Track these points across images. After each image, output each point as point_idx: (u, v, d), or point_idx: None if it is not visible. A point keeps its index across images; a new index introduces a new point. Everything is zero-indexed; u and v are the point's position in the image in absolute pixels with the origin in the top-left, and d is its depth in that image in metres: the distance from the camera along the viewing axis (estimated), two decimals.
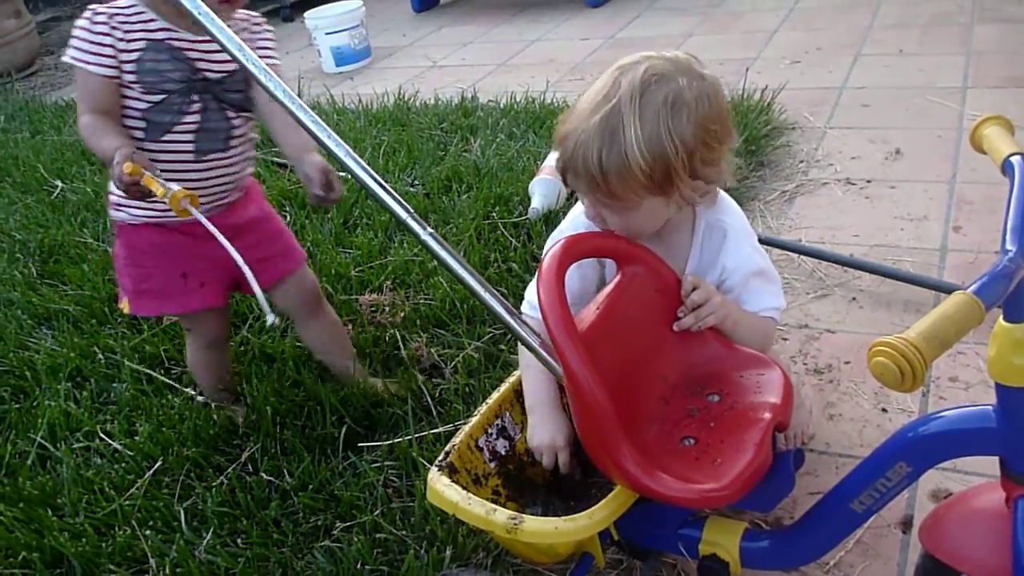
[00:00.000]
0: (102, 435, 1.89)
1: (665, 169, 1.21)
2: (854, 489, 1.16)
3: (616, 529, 1.35)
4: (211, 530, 1.60)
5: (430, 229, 1.36)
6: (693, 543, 1.31)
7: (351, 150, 1.41)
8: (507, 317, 1.34)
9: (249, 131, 1.73)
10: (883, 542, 1.47)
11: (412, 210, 1.37)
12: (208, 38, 1.46)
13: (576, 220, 1.45)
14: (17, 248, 2.82)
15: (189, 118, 1.60)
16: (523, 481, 1.45)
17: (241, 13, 1.65)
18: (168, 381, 2.04)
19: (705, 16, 4.61)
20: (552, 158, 2.71)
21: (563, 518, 1.22)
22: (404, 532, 1.55)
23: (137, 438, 1.86)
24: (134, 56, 1.54)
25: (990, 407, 1.03)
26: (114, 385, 2.06)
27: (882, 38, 3.82)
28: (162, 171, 1.54)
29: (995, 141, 1.11)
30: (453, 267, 1.34)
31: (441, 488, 1.30)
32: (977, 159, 2.55)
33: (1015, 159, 1.06)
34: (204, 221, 1.47)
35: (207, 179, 1.66)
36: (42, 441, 1.89)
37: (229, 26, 1.45)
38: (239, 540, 1.58)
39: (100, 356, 2.16)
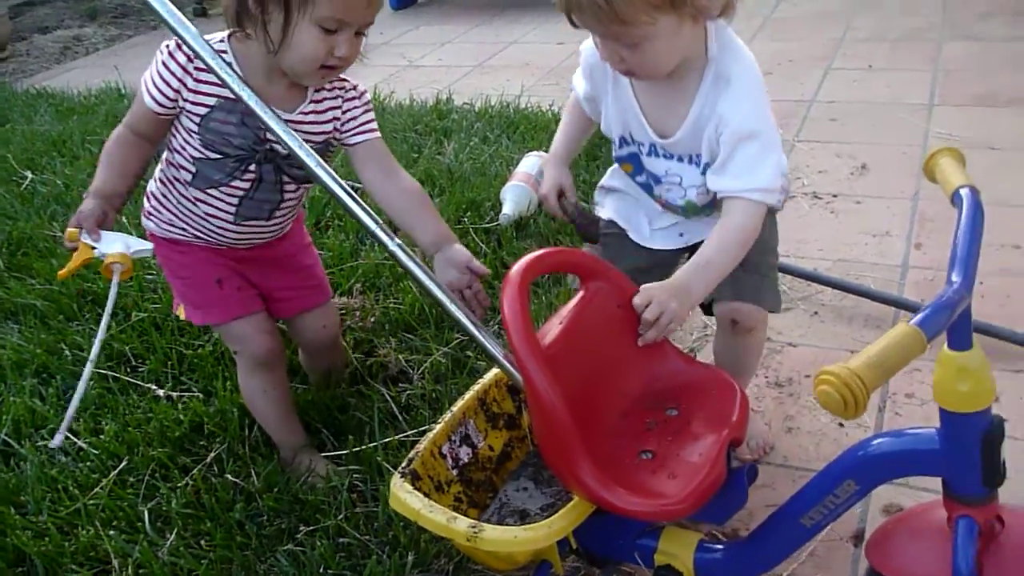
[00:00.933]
0: (67, 433, 1.89)
1: None
2: (804, 505, 1.20)
3: (574, 538, 1.38)
4: (175, 531, 1.61)
5: (397, 240, 1.39)
6: (649, 553, 1.34)
7: (320, 158, 1.44)
8: (472, 329, 1.37)
9: (301, 199, 1.70)
10: (835, 555, 1.51)
11: (380, 219, 1.40)
12: (288, 117, 1.50)
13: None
14: None
15: (239, 184, 1.56)
16: (487, 488, 1.48)
17: (338, 80, 1.57)
18: (134, 381, 2.04)
19: None
20: (524, 164, 2.74)
21: (522, 527, 1.25)
22: (367, 537, 1.57)
23: (102, 437, 1.86)
24: (201, 111, 1.49)
25: (934, 430, 1.07)
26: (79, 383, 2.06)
27: (854, 52, 3.89)
28: (196, 215, 1.59)
29: (946, 172, 1.15)
30: (420, 278, 1.38)
31: (403, 495, 1.32)
32: None
33: (964, 191, 1.10)
34: (113, 291, 1.49)
35: (241, 236, 1.65)
36: (6, 438, 1.89)
37: (325, 91, 1.52)
38: (203, 542, 1.59)
39: (67, 353, 2.15)
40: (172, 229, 1.65)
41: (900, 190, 2.66)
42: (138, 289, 2.38)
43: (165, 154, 1.60)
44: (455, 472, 1.46)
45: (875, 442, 1.13)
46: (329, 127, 1.57)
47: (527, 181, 2.63)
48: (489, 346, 1.37)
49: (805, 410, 1.85)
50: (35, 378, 2.09)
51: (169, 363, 2.08)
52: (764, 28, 4.37)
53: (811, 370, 1.97)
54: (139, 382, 2.04)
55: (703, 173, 1.43)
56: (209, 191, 1.56)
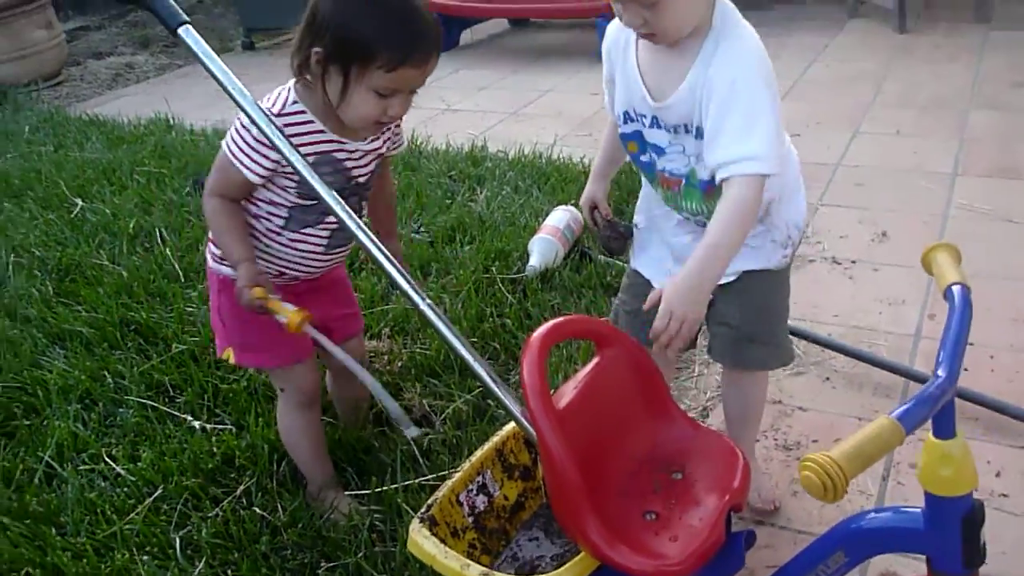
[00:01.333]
0: (107, 459, 2.00)
1: None
2: (797, 572, 1.27)
3: None
4: (204, 560, 1.71)
5: (428, 300, 1.49)
6: None
7: (360, 221, 1.54)
8: (492, 385, 1.46)
9: None
10: None
11: (412, 280, 1.50)
12: (358, 145, 1.62)
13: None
14: (36, 265, 2.95)
15: (332, 219, 1.63)
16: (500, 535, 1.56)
17: None
18: (170, 411, 2.15)
19: None
20: (552, 218, 2.85)
21: None
22: None
23: (140, 464, 1.96)
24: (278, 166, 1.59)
25: (919, 510, 1.14)
26: (120, 410, 2.18)
27: (882, 116, 3.96)
28: (290, 252, 1.68)
29: (942, 267, 1.23)
30: (447, 336, 1.47)
31: (421, 540, 1.41)
32: (959, 248, 2.69)
33: (956, 288, 1.18)
34: (320, 339, 1.57)
35: (324, 265, 1.75)
36: (49, 460, 2.01)
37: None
38: (230, 571, 1.68)
39: (109, 380, 2.27)
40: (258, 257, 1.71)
41: (918, 259, 2.71)
42: (178, 322, 2.49)
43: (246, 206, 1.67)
44: (471, 519, 1.55)
45: (866, 518, 1.20)
46: (383, 146, 1.69)
47: (554, 235, 2.74)
48: (507, 402, 1.46)
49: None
50: (78, 403, 2.21)
51: (205, 395, 2.19)
52: (795, 88, 4.46)
53: (819, 435, 2.04)
54: (176, 412, 2.15)
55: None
56: (304, 231, 1.65)
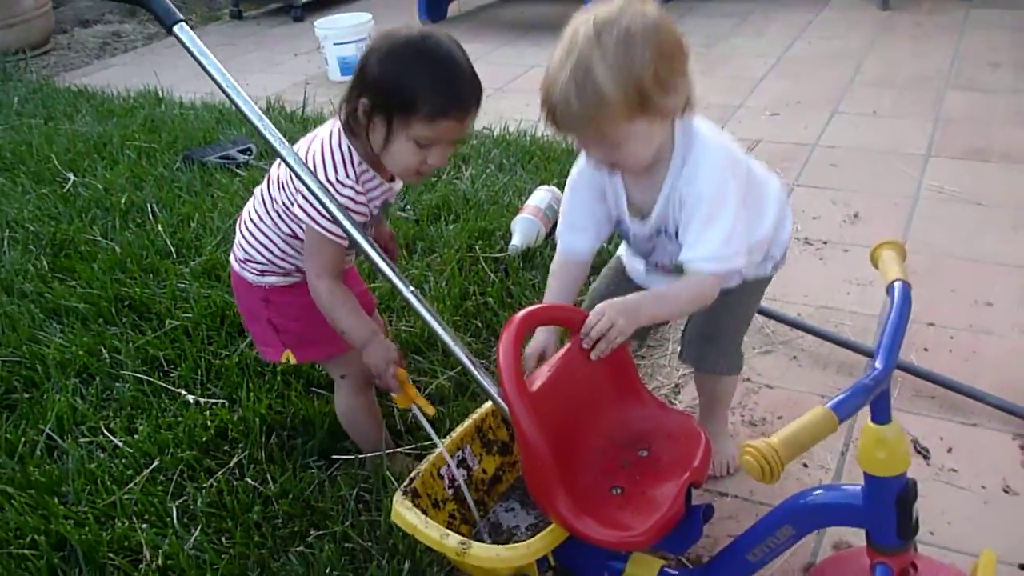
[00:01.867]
0: (105, 431, 2.10)
1: (638, 87, 1.36)
2: (750, 543, 1.38)
3: (553, 556, 1.56)
4: (199, 527, 1.80)
5: (411, 288, 1.58)
6: (617, 574, 1.53)
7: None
8: (472, 368, 1.57)
9: None
10: None
11: (396, 269, 1.59)
12: (394, 184, 1.72)
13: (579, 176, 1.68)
14: (30, 239, 3.02)
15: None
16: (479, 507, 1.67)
17: None
18: (165, 385, 2.24)
19: (696, 56, 4.69)
20: (535, 198, 2.93)
21: (504, 546, 1.44)
22: (370, 544, 1.76)
23: (137, 436, 2.06)
24: (375, 211, 1.72)
25: (859, 487, 1.25)
26: (117, 384, 2.27)
27: (860, 96, 4.04)
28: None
29: (887, 264, 1.33)
30: (430, 322, 1.57)
31: (404, 511, 1.51)
32: (925, 228, 2.81)
33: (897, 284, 1.28)
34: (427, 427, 1.66)
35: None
36: (50, 432, 2.10)
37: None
38: (224, 539, 1.79)
39: (106, 355, 2.36)
40: (293, 276, 1.79)
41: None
42: (171, 298, 2.58)
43: (288, 228, 1.72)
44: (451, 492, 1.65)
45: (811, 494, 1.31)
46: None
47: (536, 215, 2.82)
48: (485, 383, 1.56)
49: None
50: (77, 377, 2.29)
51: (198, 370, 2.28)
52: (776, 67, 4.53)
53: (784, 411, 2.14)
54: (170, 387, 2.24)
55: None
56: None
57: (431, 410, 1.63)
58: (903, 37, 4.79)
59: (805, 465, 1.97)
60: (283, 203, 1.70)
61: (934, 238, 2.82)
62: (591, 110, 1.38)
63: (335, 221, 1.58)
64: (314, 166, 1.61)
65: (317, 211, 1.60)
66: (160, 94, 4.63)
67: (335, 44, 4.80)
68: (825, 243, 2.85)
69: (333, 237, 1.62)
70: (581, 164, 1.66)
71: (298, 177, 1.59)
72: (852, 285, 2.62)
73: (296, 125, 4.00)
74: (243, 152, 3.67)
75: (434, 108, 1.51)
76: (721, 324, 1.74)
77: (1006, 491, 1.86)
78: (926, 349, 2.30)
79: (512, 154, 3.47)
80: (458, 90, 1.55)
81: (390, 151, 1.58)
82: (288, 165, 1.59)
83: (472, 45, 5.43)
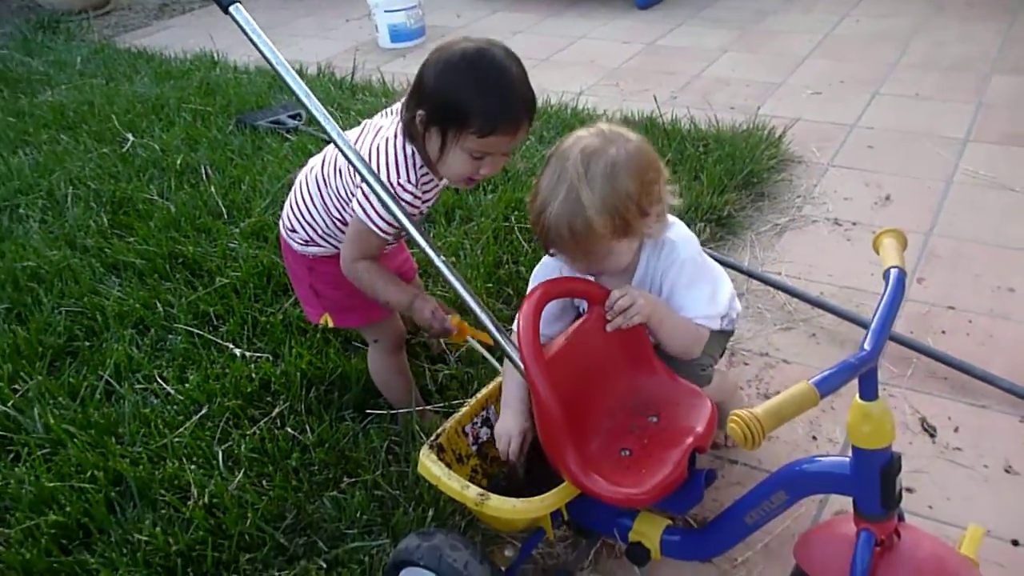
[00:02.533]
0: (158, 379, 2.26)
1: (623, 218, 1.52)
2: (747, 506, 1.48)
3: (567, 511, 1.68)
4: (243, 471, 1.96)
5: (443, 256, 1.69)
6: (625, 530, 1.64)
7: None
8: (497, 334, 1.67)
9: None
10: (785, 548, 1.79)
11: (431, 239, 1.70)
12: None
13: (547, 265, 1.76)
14: (91, 197, 3.19)
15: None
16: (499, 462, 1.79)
17: None
18: (214, 339, 2.40)
19: (743, 32, 4.83)
20: None
21: (520, 500, 1.56)
22: (398, 492, 1.90)
23: (187, 385, 2.22)
24: (428, 207, 1.83)
25: (848, 458, 1.34)
26: (170, 336, 2.43)
27: (903, 77, 4.04)
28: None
29: (886, 251, 1.41)
30: (458, 288, 1.67)
31: (429, 464, 1.64)
32: (955, 213, 2.86)
33: (893, 271, 1.36)
34: (476, 346, 1.86)
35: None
36: (108, 378, 2.27)
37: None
38: (264, 482, 1.94)
39: (160, 308, 2.52)
40: (336, 250, 1.89)
41: (916, 224, 2.87)
42: (222, 256, 2.73)
43: (338, 213, 1.83)
44: (474, 448, 1.78)
45: (804, 463, 1.41)
46: None
47: None
48: (508, 348, 1.67)
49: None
50: (133, 328, 2.46)
51: (245, 326, 2.43)
52: (821, 45, 4.53)
53: None
54: (219, 340, 2.40)
55: None
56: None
57: (487, 338, 1.74)
58: (953, 18, 4.75)
59: (814, 438, 2.06)
60: (336, 188, 1.81)
61: (963, 223, 2.85)
62: (581, 238, 1.53)
63: (390, 214, 1.67)
64: (377, 164, 1.71)
65: (372, 207, 1.71)
66: (215, 58, 4.78)
67: (385, 11, 4.90)
68: (854, 224, 2.90)
69: (379, 231, 1.73)
70: (547, 261, 1.75)
71: (358, 171, 1.67)
72: (877, 267, 2.60)
73: (345, 92, 4.12)
74: (293, 117, 3.81)
75: (485, 125, 1.60)
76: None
77: (1007, 471, 1.93)
78: (943, 332, 2.37)
79: (552, 127, 3.55)
80: (509, 108, 1.62)
81: (445, 161, 1.68)
82: (348, 159, 1.67)
83: (518, 15, 5.53)
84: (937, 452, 2.00)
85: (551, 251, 1.62)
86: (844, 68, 4.20)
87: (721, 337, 1.87)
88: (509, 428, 1.69)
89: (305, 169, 1.93)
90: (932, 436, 2.04)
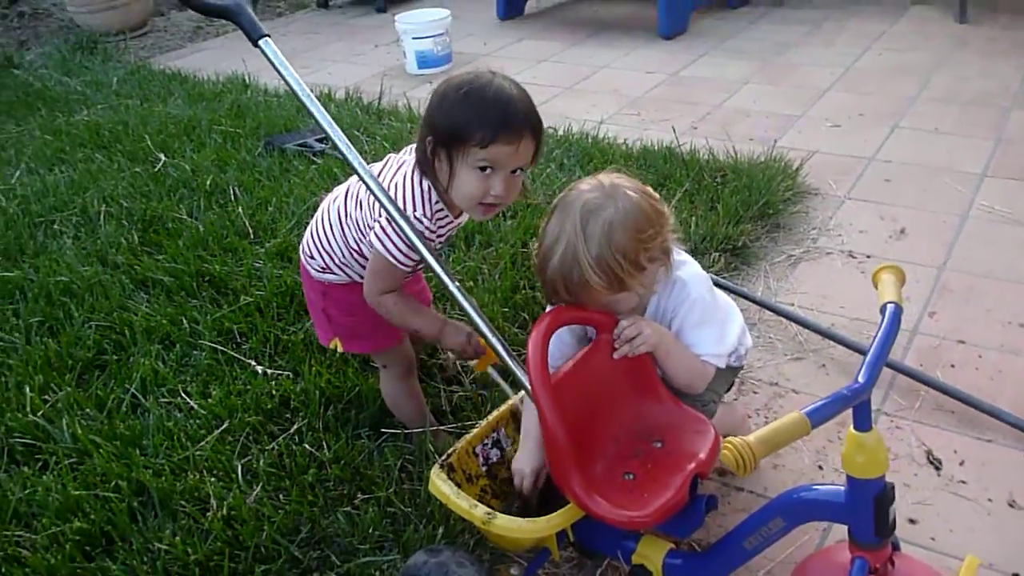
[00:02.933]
0: (182, 394, 2.33)
1: (617, 276, 1.58)
2: (746, 532, 1.52)
3: (572, 532, 1.73)
4: (260, 484, 2.02)
5: (456, 282, 1.75)
6: (628, 552, 1.68)
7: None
8: (506, 357, 1.74)
9: None
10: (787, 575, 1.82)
11: (446, 264, 1.76)
12: (462, 219, 1.90)
13: None
14: (123, 215, 3.30)
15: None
16: (508, 483, 1.84)
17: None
18: (237, 356, 2.47)
19: (764, 64, 4.88)
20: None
21: (526, 519, 1.61)
22: (410, 510, 1.95)
23: (210, 400, 2.29)
24: (441, 242, 1.89)
25: (843, 487, 1.38)
26: (195, 352, 2.50)
27: (923, 111, 4.07)
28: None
29: (884, 286, 1.45)
30: (471, 313, 1.74)
31: (439, 482, 1.69)
32: (970, 248, 2.88)
33: (890, 306, 1.40)
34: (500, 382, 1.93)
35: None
36: (135, 391, 2.35)
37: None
38: (281, 496, 2.00)
39: (186, 325, 2.60)
40: (347, 274, 1.97)
41: (930, 258, 2.89)
42: (247, 276, 2.81)
43: (355, 244, 1.90)
44: (484, 468, 1.83)
45: (801, 491, 1.45)
46: None
47: None
48: (518, 372, 1.73)
49: (791, 451, 2.15)
50: (159, 344, 2.54)
51: (267, 344, 2.51)
52: (842, 79, 4.57)
53: None
54: (242, 357, 2.47)
55: None
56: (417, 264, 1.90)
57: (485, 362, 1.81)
58: (975, 53, 4.78)
59: (820, 467, 2.09)
60: (356, 220, 1.88)
61: (977, 258, 2.88)
62: (578, 291, 1.61)
63: (410, 245, 1.75)
64: (394, 197, 1.78)
65: (390, 239, 1.78)
66: (246, 81, 4.91)
67: (414, 38, 5.01)
68: (868, 257, 2.94)
69: (399, 264, 1.80)
70: None
71: (380, 202, 1.75)
72: None
73: (371, 116, 4.21)
74: (320, 141, 3.90)
75: (486, 134, 1.67)
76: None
77: (1011, 505, 1.95)
78: (952, 365, 2.39)
79: (573, 155, 3.62)
80: (506, 117, 1.68)
81: (455, 184, 1.75)
82: (369, 188, 1.76)
83: (544, 43, 5.63)
84: (942, 484, 2.02)
85: (552, 300, 1.69)
86: (864, 101, 4.24)
87: (728, 374, 1.92)
88: (523, 466, 1.75)
89: (329, 198, 2.00)
90: (937, 469, 2.06)
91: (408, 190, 1.78)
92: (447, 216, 1.85)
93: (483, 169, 1.71)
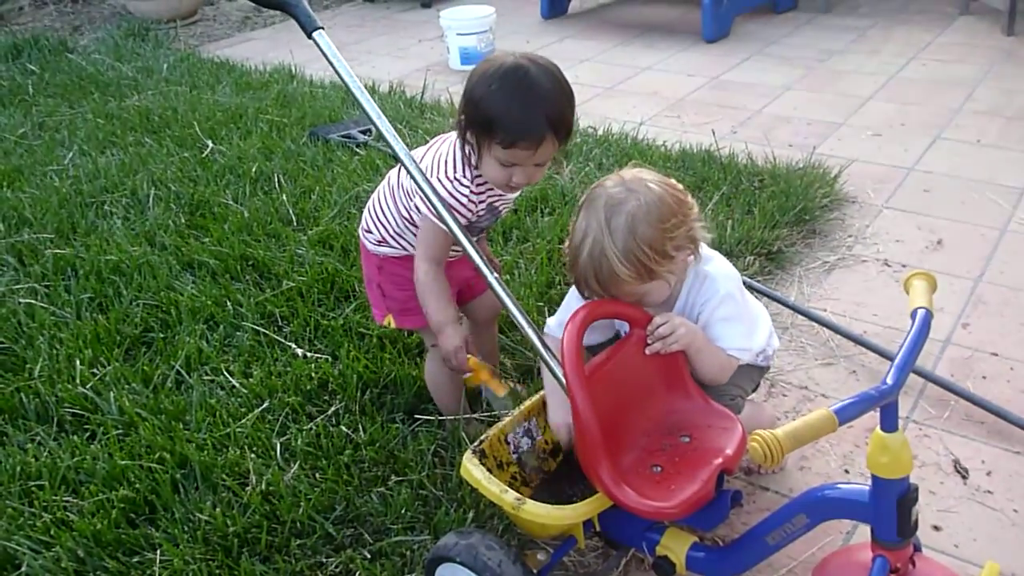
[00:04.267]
0: (225, 372, 2.41)
1: (645, 266, 1.63)
2: (769, 527, 1.55)
3: (599, 522, 1.77)
4: (298, 463, 2.09)
5: (496, 274, 1.80)
6: (653, 544, 1.72)
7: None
8: (542, 350, 1.78)
9: None
10: (809, 574, 1.85)
11: (482, 253, 1.81)
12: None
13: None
14: (172, 198, 3.39)
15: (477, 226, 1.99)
16: (537, 471, 1.89)
17: None
18: (278, 338, 2.54)
19: (808, 71, 4.88)
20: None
21: (554, 506, 1.65)
22: (441, 493, 2.01)
23: (251, 380, 2.36)
24: (475, 217, 1.91)
25: (867, 487, 1.41)
26: (238, 333, 2.58)
27: (966, 123, 4.05)
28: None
29: (915, 292, 1.48)
30: (509, 306, 1.78)
31: (471, 467, 1.74)
32: (1007, 261, 2.89)
33: (920, 311, 1.43)
34: (491, 393, 1.95)
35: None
36: (179, 369, 2.43)
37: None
38: (317, 475, 2.06)
39: (230, 307, 2.68)
40: (402, 247, 2.03)
41: (966, 270, 2.89)
42: (289, 262, 2.88)
43: (407, 213, 1.96)
44: (515, 456, 1.88)
45: (825, 489, 1.48)
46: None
47: None
48: (552, 364, 1.77)
49: (819, 454, 2.17)
50: (204, 324, 2.62)
51: (308, 328, 2.58)
52: (886, 87, 4.56)
53: None
54: (282, 340, 2.54)
55: None
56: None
57: (501, 391, 1.85)
58: (1022, 66, 4.73)
59: (847, 471, 2.12)
60: (407, 189, 1.95)
61: (1014, 271, 2.87)
62: (608, 284, 1.66)
63: (450, 210, 1.79)
64: (443, 163, 1.84)
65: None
66: (293, 71, 4.99)
67: (458, 35, 5.07)
68: (904, 266, 2.94)
69: (444, 227, 1.83)
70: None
71: (414, 180, 1.81)
72: None
73: (414, 110, 4.28)
74: (364, 132, 3.98)
75: (507, 136, 1.72)
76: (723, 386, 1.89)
77: None
78: (984, 377, 2.40)
79: (612, 154, 3.66)
80: (530, 122, 1.72)
81: (481, 165, 1.81)
82: (408, 171, 1.81)
83: (586, 43, 5.67)
84: (968, 493, 2.04)
85: (585, 294, 1.74)
86: (907, 111, 4.23)
87: (754, 372, 1.95)
88: (559, 420, 1.80)
89: (387, 174, 2.07)
90: (964, 478, 2.08)
91: (451, 155, 1.85)
92: (487, 183, 1.88)
93: (504, 163, 1.77)
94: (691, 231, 1.70)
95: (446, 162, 1.85)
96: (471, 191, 1.85)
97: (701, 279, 1.77)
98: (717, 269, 1.79)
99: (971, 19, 5.62)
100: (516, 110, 1.72)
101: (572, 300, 1.86)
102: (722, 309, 1.76)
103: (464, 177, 1.84)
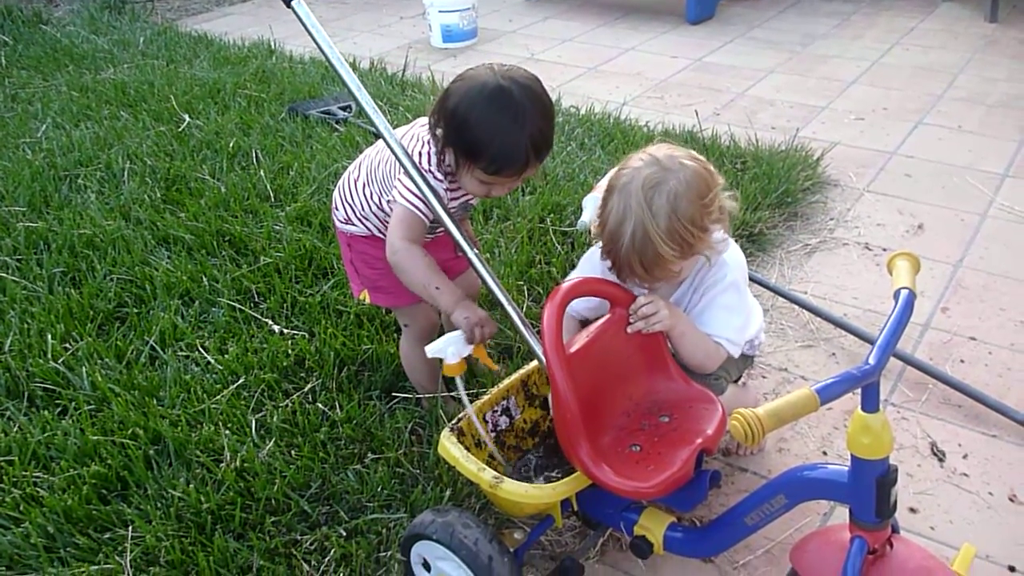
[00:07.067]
0: (200, 349, 2.37)
1: (688, 243, 1.62)
2: (748, 508, 1.55)
3: (576, 501, 1.76)
4: (273, 440, 2.06)
5: (476, 250, 1.78)
6: (631, 524, 1.71)
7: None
8: (522, 328, 1.76)
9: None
10: (786, 555, 1.83)
11: (464, 232, 1.79)
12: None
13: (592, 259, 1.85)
14: (147, 172, 3.33)
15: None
16: (516, 451, 1.87)
17: None
18: (254, 314, 2.51)
19: (791, 55, 4.87)
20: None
21: (532, 485, 1.64)
22: (418, 471, 1.99)
23: (227, 356, 2.33)
24: (454, 205, 1.89)
25: (847, 468, 1.40)
26: (213, 309, 2.54)
27: (948, 110, 4.06)
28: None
29: (899, 272, 1.47)
30: (487, 279, 1.76)
31: (449, 445, 1.72)
32: (987, 247, 2.89)
33: (903, 292, 1.42)
34: (462, 395, 1.79)
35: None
36: (154, 344, 2.39)
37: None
38: (293, 452, 2.04)
39: (206, 282, 2.64)
40: (380, 230, 1.99)
41: (946, 254, 2.90)
42: (267, 237, 2.84)
43: (376, 196, 1.93)
44: (492, 435, 1.86)
45: (804, 469, 1.47)
46: None
47: None
48: (532, 341, 1.76)
49: (798, 436, 2.17)
50: (179, 299, 2.58)
51: (284, 304, 2.54)
52: (869, 72, 4.56)
53: None
54: (259, 316, 2.51)
55: None
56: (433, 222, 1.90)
57: (494, 366, 1.83)
58: (1004, 54, 4.74)
59: (825, 453, 2.12)
60: (381, 177, 1.91)
61: (994, 257, 2.88)
62: (651, 267, 1.64)
63: (425, 199, 1.77)
64: (417, 147, 1.80)
65: (409, 190, 1.79)
66: (272, 46, 4.92)
67: (440, 12, 5.01)
68: (884, 250, 2.94)
69: (419, 212, 1.81)
70: (596, 259, 1.81)
71: (395, 155, 1.78)
72: None
73: (395, 87, 4.23)
74: (343, 109, 3.93)
75: (491, 166, 1.71)
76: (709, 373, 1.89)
77: (1011, 499, 1.97)
78: (962, 361, 2.41)
79: (594, 135, 3.63)
80: (516, 153, 1.69)
81: (460, 177, 1.79)
82: (392, 150, 1.78)
83: (569, 23, 5.63)
84: (944, 476, 2.04)
85: (623, 278, 1.71)
86: (889, 96, 4.23)
87: (741, 361, 1.94)
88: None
89: (360, 157, 2.04)
90: (941, 460, 2.08)
91: (428, 147, 1.81)
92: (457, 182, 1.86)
93: (485, 181, 1.76)
94: (722, 202, 1.70)
95: (424, 152, 1.81)
96: (445, 188, 1.83)
97: (712, 260, 1.76)
98: (730, 255, 1.79)
99: (954, 6, 5.63)
100: (501, 141, 1.69)
101: (585, 266, 1.87)
102: (724, 296, 1.77)
103: (438, 170, 1.81)
